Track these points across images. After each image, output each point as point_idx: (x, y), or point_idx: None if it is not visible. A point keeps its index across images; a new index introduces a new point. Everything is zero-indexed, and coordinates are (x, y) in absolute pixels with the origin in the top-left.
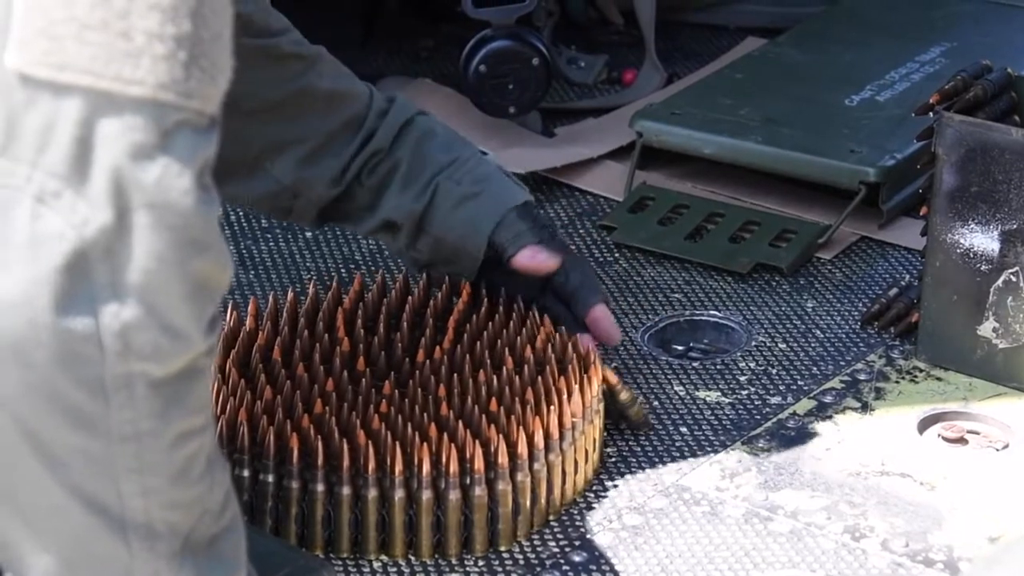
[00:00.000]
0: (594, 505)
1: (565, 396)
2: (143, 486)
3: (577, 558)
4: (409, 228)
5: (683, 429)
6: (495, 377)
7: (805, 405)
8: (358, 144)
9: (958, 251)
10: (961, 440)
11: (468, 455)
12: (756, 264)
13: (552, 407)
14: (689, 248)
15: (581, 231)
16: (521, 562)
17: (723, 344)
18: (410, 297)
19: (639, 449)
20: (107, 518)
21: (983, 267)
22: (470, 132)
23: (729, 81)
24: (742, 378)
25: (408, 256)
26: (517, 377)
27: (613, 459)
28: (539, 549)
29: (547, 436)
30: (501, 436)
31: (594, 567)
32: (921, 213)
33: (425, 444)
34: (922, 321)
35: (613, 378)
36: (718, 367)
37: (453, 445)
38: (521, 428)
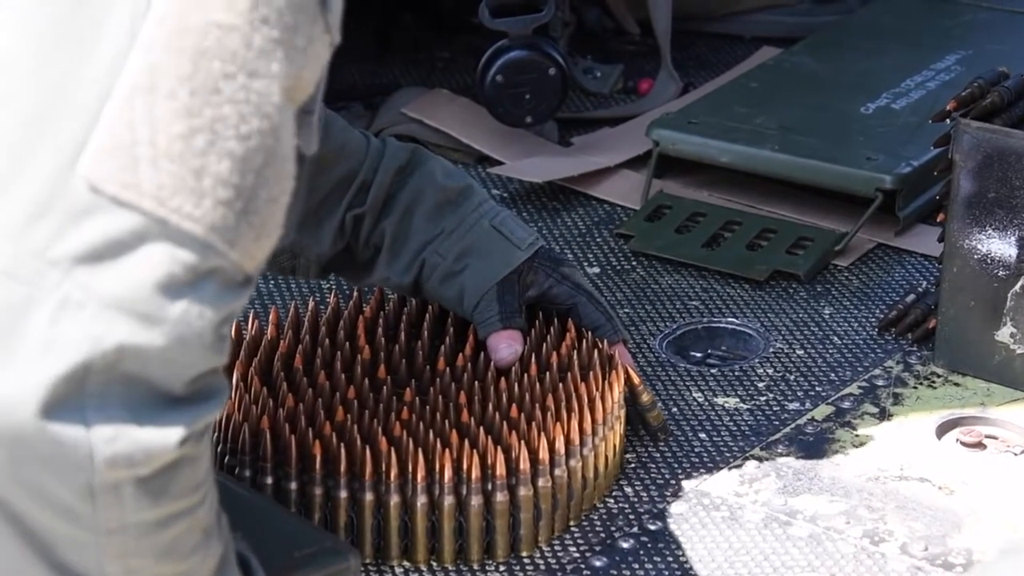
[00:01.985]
0: (614, 510)
1: (586, 402)
2: (127, 567)
3: (598, 563)
4: (403, 294)
5: (702, 435)
6: (516, 384)
7: (823, 411)
8: (350, 199)
9: (975, 257)
10: (979, 445)
11: (490, 461)
12: (773, 271)
13: (573, 413)
14: (706, 256)
15: (599, 240)
16: (542, 567)
17: (741, 351)
18: (430, 306)
19: (658, 455)
20: None
21: (1000, 273)
22: (487, 142)
23: (745, 90)
24: (760, 384)
25: None
26: (538, 384)
27: (633, 465)
28: (560, 554)
29: (568, 442)
30: (522, 442)
31: (615, 572)
32: (938, 219)
33: (447, 450)
34: (939, 327)
35: (637, 378)
36: (736, 374)
37: (475, 451)
38: (542, 434)
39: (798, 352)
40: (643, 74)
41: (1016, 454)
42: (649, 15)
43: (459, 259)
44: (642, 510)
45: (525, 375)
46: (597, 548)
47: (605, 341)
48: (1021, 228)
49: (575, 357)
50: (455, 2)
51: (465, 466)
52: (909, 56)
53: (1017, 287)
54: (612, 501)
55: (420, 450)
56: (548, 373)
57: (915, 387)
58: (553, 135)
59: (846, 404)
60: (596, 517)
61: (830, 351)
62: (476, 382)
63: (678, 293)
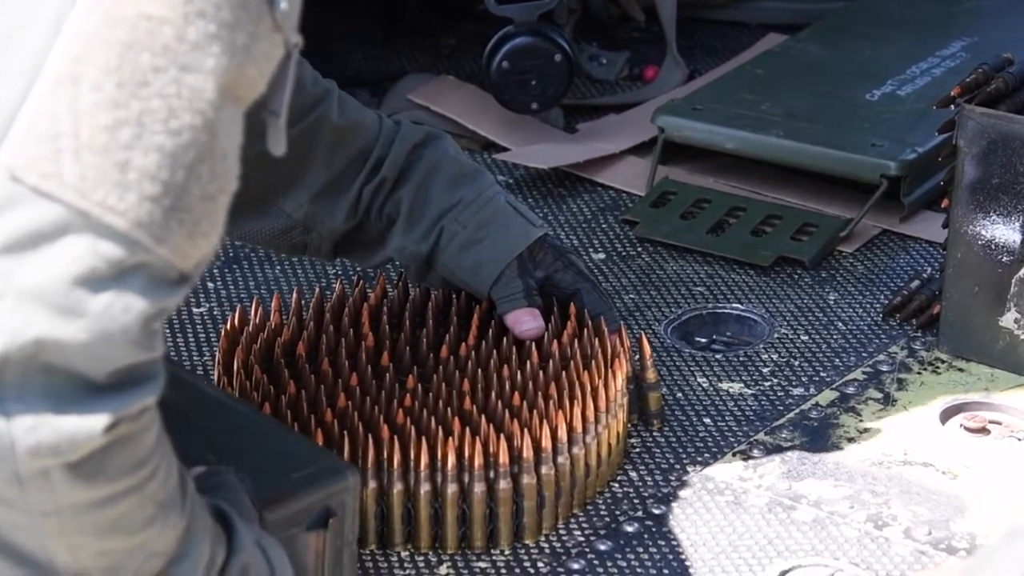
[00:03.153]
0: (619, 495)
1: (589, 390)
2: (69, 544)
3: (603, 547)
4: (416, 266)
5: (706, 420)
6: (519, 372)
7: (827, 396)
8: (367, 174)
9: (979, 243)
10: (983, 430)
11: (492, 449)
12: (778, 257)
13: (576, 401)
14: (711, 242)
15: (604, 226)
16: (547, 551)
17: (746, 336)
18: (434, 294)
19: (663, 440)
20: (37, 570)
21: (1004, 258)
22: (493, 128)
23: (750, 77)
24: (765, 370)
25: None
26: (541, 372)
27: (637, 450)
28: (564, 538)
29: (571, 430)
30: (525, 430)
31: (619, 555)
32: (943, 205)
33: (449, 438)
34: (944, 312)
35: (648, 351)
36: (741, 359)
37: (477, 439)
38: (545, 422)
39: (803, 338)
40: (648, 61)
41: (1020, 439)
42: (654, 2)
43: (479, 229)
44: (647, 494)
45: (528, 363)
46: (602, 532)
47: (607, 328)
48: None
49: (577, 345)
50: None
51: (468, 454)
52: (914, 43)
53: (1021, 273)
54: (617, 485)
55: (423, 438)
56: (551, 361)
57: (919, 373)
58: (559, 122)
59: (850, 389)
60: (601, 501)
61: (834, 337)
62: (479, 370)
63: (683, 279)
